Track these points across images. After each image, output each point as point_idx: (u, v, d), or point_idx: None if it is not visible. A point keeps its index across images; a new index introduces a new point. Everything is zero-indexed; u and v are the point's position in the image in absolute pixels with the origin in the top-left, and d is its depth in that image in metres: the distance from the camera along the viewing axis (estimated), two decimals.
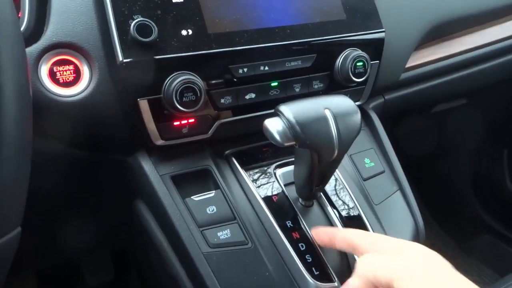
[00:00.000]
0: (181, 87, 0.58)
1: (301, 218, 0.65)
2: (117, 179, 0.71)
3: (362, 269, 0.50)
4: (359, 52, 0.71)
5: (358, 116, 0.58)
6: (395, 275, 0.45)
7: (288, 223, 0.64)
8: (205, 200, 0.63)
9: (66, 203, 0.85)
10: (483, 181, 1.55)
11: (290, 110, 0.55)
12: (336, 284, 0.60)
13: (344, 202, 0.69)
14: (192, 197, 0.63)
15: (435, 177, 1.63)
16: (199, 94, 0.59)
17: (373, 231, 0.68)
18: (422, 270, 0.45)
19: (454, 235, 1.60)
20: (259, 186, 0.67)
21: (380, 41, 0.76)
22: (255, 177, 0.68)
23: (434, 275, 0.45)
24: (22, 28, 0.58)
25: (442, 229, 1.62)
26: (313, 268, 0.60)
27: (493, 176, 1.52)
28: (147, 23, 0.57)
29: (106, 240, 1.00)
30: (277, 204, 0.66)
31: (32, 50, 0.57)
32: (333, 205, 0.68)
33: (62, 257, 1.07)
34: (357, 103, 0.79)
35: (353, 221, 0.68)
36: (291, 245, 0.62)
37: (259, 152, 0.72)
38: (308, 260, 0.61)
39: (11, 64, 0.36)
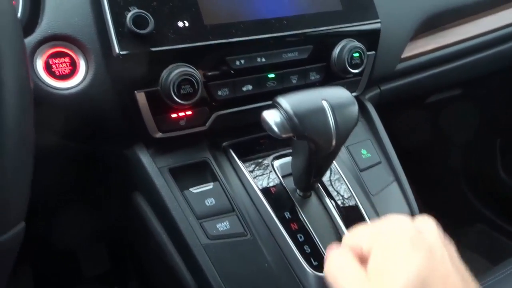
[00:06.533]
0: (179, 79, 0.58)
1: (299, 209, 0.65)
2: (115, 172, 0.71)
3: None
4: (355, 43, 0.71)
5: (355, 107, 0.58)
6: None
7: (287, 214, 0.64)
8: (203, 192, 0.64)
9: (65, 197, 0.85)
10: (476, 170, 1.57)
11: (288, 102, 0.55)
12: None
13: (341, 193, 0.70)
14: (190, 189, 0.64)
15: (428, 166, 1.64)
16: (196, 87, 0.59)
17: (370, 221, 0.68)
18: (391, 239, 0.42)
19: (446, 224, 1.61)
20: (257, 178, 0.67)
21: (376, 31, 0.76)
22: (253, 168, 0.68)
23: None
24: None
25: (435, 218, 1.64)
26: (312, 259, 0.61)
27: (486, 166, 1.53)
28: (143, 14, 0.56)
29: (104, 232, 1.00)
30: (275, 196, 0.66)
31: (27, 42, 0.56)
32: (330, 196, 0.68)
33: (60, 249, 1.07)
34: (354, 94, 0.79)
35: (350, 212, 0.68)
36: (290, 236, 0.62)
37: (257, 144, 0.72)
38: (307, 251, 0.61)
39: (11, 56, 0.36)
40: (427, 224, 0.45)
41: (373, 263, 0.42)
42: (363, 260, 0.44)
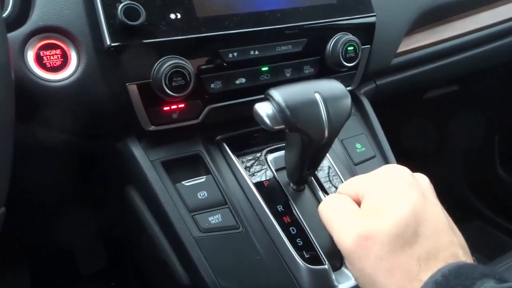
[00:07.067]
0: (170, 72, 0.57)
1: (292, 203, 0.65)
2: (108, 165, 0.71)
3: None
4: (350, 36, 0.71)
5: (348, 100, 0.58)
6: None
7: (279, 207, 0.64)
8: (196, 185, 0.63)
9: (64, 197, 0.84)
10: (474, 167, 1.56)
11: (280, 94, 0.55)
12: (326, 266, 0.60)
13: (335, 186, 0.69)
14: (183, 182, 0.63)
15: (426, 163, 1.63)
16: (188, 79, 0.59)
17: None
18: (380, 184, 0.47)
19: None
20: (250, 171, 0.67)
21: (371, 25, 0.75)
22: (246, 162, 0.68)
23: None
24: (7, 12, 0.57)
25: None
26: (304, 252, 0.61)
27: (484, 162, 1.53)
28: (135, 6, 0.56)
29: (100, 227, 1.00)
30: (268, 189, 0.66)
31: (17, 34, 0.56)
32: (324, 189, 0.68)
33: (58, 248, 1.07)
34: (349, 88, 0.78)
35: None
36: (282, 229, 0.62)
37: (250, 137, 0.71)
38: (299, 244, 0.61)
39: None
40: (422, 177, 0.49)
41: (369, 199, 0.46)
42: (358, 204, 0.47)
